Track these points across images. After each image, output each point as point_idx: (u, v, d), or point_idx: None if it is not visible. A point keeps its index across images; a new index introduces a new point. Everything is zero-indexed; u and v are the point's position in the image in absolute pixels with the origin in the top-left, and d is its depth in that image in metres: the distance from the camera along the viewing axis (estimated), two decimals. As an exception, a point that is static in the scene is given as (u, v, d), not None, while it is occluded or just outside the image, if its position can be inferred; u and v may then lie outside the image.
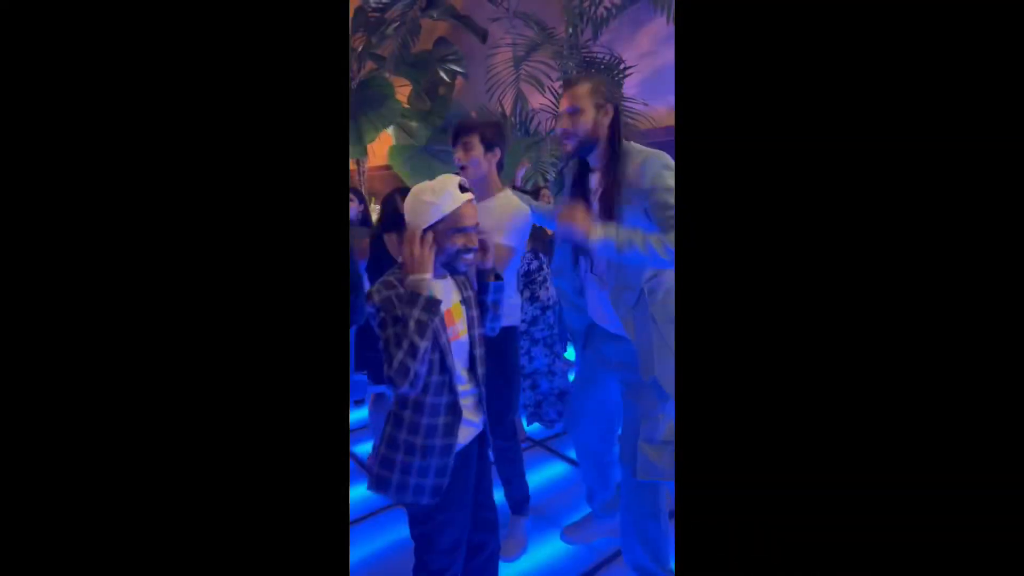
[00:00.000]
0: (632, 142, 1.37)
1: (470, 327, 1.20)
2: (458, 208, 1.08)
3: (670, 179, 1.26)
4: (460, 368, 1.17)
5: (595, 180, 1.41)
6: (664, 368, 1.33)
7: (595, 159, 1.39)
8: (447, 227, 1.08)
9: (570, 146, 1.36)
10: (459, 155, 1.58)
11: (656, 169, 1.28)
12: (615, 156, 1.34)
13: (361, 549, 1.80)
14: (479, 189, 1.56)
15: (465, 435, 1.19)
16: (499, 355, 1.60)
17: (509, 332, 1.63)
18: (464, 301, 1.20)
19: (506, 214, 1.55)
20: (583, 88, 1.34)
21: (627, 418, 1.46)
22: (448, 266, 1.13)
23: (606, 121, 1.34)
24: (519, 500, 1.80)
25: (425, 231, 1.08)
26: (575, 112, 1.34)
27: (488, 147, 1.56)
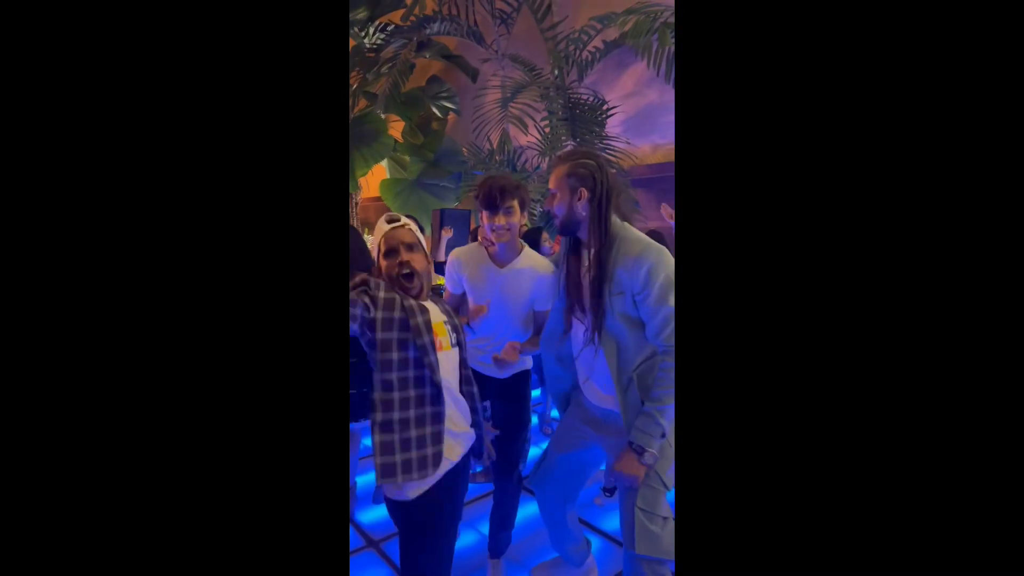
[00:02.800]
0: (630, 226, 1.36)
1: (460, 348, 1.26)
2: (383, 235, 1.24)
3: (666, 277, 1.25)
4: (451, 379, 1.22)
5: (587, 257, 1.38)
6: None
7: (585, 236, 1.38)
8: (380, 254, 1.24)
9: (556, 223, 1.38)
10: (499, 220, 1.47)
11: (651, 269, 1.26)
12: (604, 238, 1.33)
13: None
14: (510, 251, 1.54)
15: (454, 452, 1.20)
16: (512, 398, 1.60)
17: (522, 376, 1.62)
18: (448, 323, 1.25)
19: (541, 275, 1.53)
20: (559, 170, 1.35)
21: (620, 486, 1.42)
22: (398, 288, 1.21)
23: (580, 204, 1.33)
24: (502, 544, 1.78)
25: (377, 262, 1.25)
26: (552, 194, 1.37)
27: (523, 207, 1.51)
